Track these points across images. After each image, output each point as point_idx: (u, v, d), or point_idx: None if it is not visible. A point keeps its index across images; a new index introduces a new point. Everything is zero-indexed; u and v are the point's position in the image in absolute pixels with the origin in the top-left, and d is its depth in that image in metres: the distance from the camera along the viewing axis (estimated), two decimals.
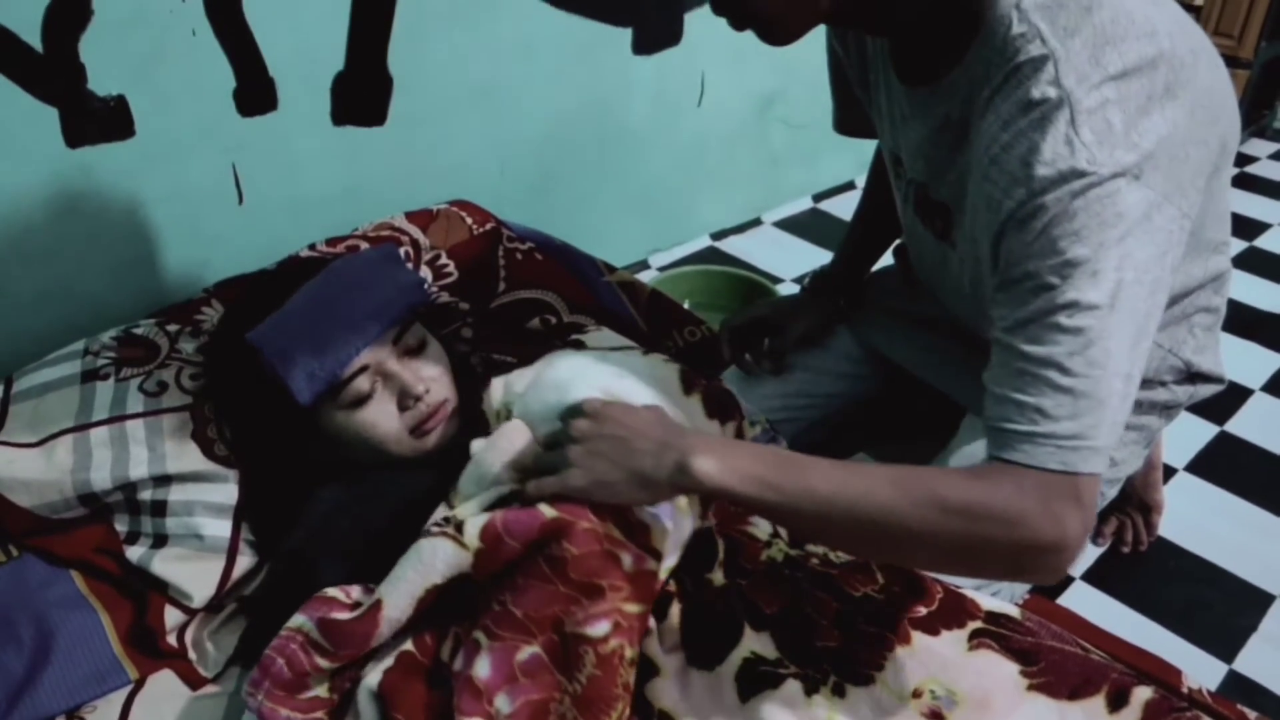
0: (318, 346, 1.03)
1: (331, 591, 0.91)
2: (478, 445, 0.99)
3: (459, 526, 0.89)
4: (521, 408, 1.05)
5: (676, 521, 0.95)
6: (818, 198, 2.65)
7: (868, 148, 1.40)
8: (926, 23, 0.93)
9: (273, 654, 0.87)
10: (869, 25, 1.00)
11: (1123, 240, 0.82)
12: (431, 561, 0.88)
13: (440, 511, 0.96)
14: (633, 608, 0.88)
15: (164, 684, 1.05)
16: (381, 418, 1.08)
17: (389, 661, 0.88)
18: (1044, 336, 0.83)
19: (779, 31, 0.92)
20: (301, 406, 1.04)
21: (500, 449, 0.97)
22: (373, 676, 0.87)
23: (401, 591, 0.87)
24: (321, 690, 0.88)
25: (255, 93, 1.50)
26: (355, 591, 0.92)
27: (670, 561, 0.96)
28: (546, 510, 0.88)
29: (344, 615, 0.88)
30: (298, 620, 0.88)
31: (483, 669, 0.84)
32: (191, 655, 1.07)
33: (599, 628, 0.85)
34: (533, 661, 0.85)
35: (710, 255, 2.39)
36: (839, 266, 1.48)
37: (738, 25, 0.92)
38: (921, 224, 1.10)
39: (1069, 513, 0.82)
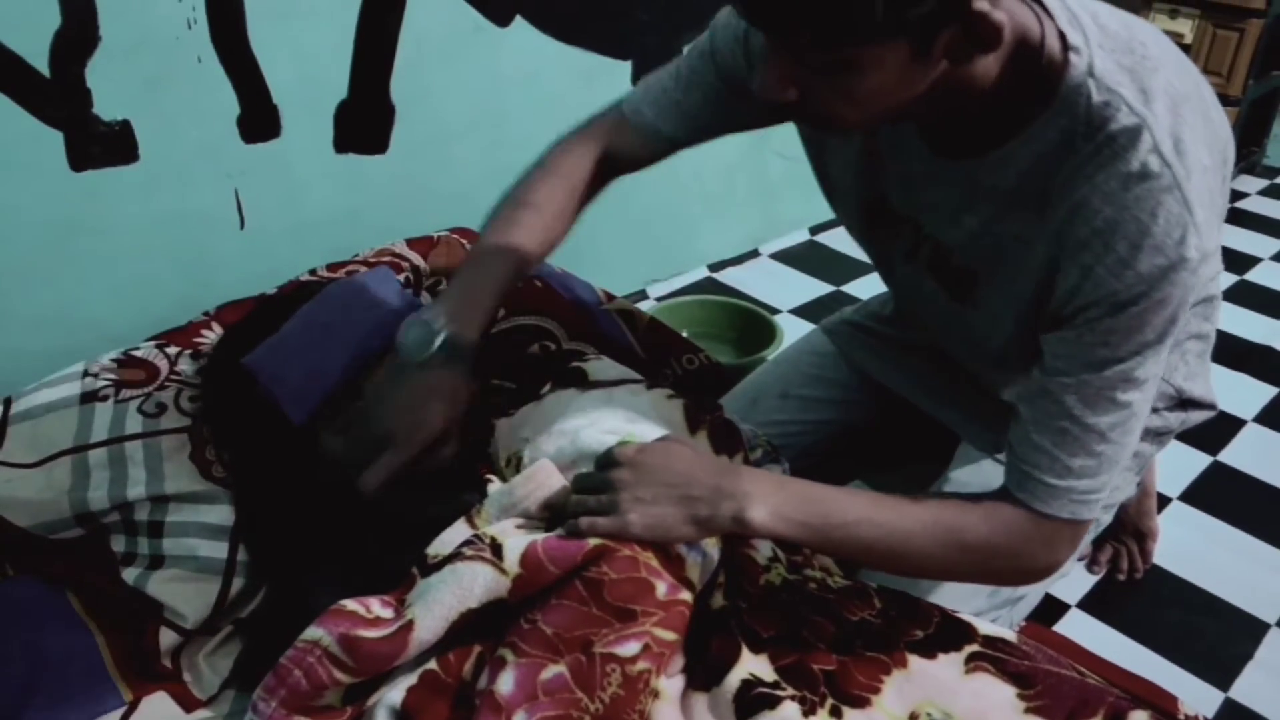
0: (312, 369, 1.04)
1: (350, 605, 0.88)
2: (508, 481, 1.01)
3: (496, 550, 0.89)
4: (533, 454, 1.06)
5: (704, 554, 0.96)
6: (814, 230, 2.67)
7: None
8: (992, 101, 0.89)
9: (289, 664, 0.84)
10: (930, 117, 0.95)
11: (1181, 316, 0.88)
12: (470, 586, 0.87)
13: (462, 528, 0.97)
14: (665, 634, 0.88)
15: (158, 706, 1.04)
16: None
17: (412, 679, 0.87)
18: (1099, 406, 0.89)
19: (846, 130, 0.97)
20: (297, 429, 1.04)
21: (538, 483, 0.98)
22: (394, 694, 0.86)
23: (436, 615, 0.86)
24: (334, 701, 0.87)
25: (259, 119, 1.52)
26: (375, 605, 0.89)
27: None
28: (591, 538, 0.90)
29: (370, 633, 0.85)
30: (315, 633, 0.85)
31: (506, 685, 0.83)
32: (186, 677, 1.06)
33: (629, 647, 0.86)
34: (556, 681, 0.84)
35: (708, 286, 2.41)
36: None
37: (805, 121, 0.93)
38: (932, 280, 1.08)
39: (1066, 548, 0.96)
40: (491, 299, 1.06)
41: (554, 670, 0.85)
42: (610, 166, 1.19)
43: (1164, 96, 0.85)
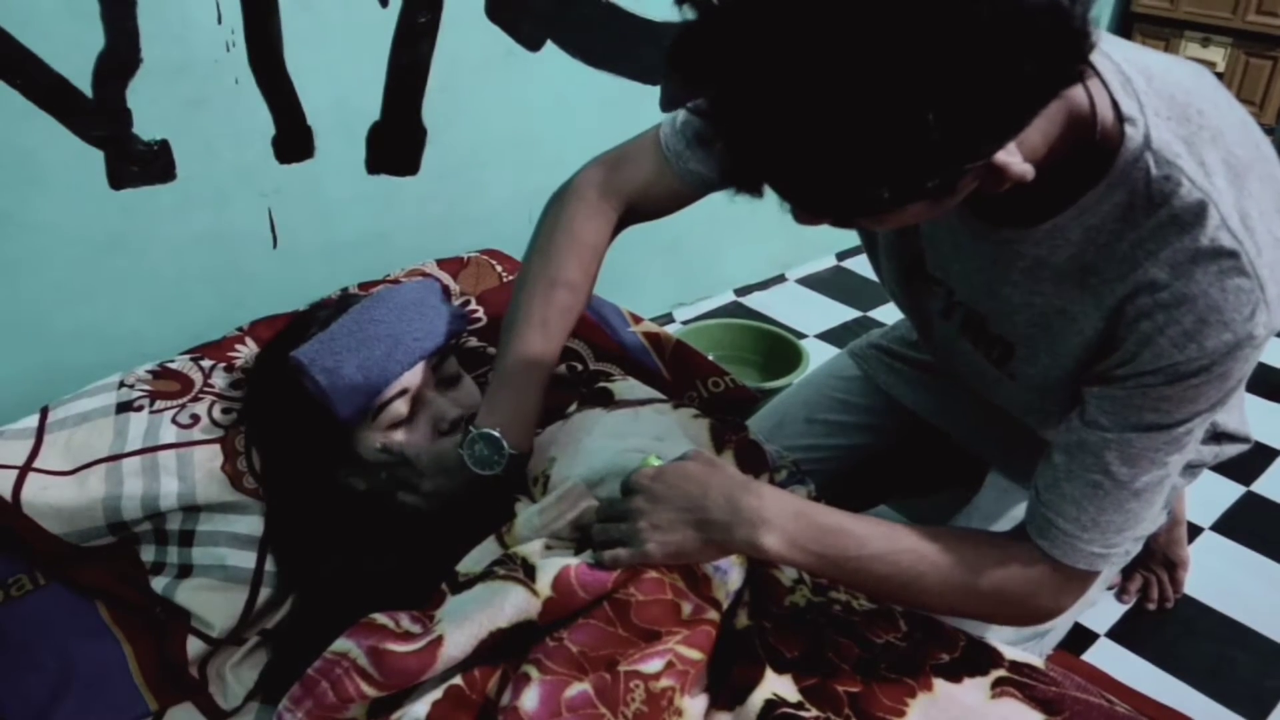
0: (362, 363, 1.06)
1: (380, 619, 0.89)
2: (540, 502, 1.01)
3: (529, 571, 0.90)
4: (559, 473, 1.07)
5: (729, 571, 0.97)
6: (841, 256, 2.68)
7: None
8: (1040, 175, 0.83)
9: (317, 675, 0.85)
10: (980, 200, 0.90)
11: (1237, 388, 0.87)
12: (501, 606, 0.88)
13: (492, 547, 0.97)
14: (689, 652, 0.89)
15: (184, 716, 1.05)
16: (416, 443, 1.09)
17: (437, 694, 0.87)
18: (1139, 465, 0.88)
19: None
20: (338, 428, 1.06)
21: (568, 504, 0.99)
22: (419, 707, 0.86)
23: (466, 632, 0.87)
24: (359, 715, 0.87)
25: (293, 140, 1.55)
26: (404, 619, 0.90)
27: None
28: None
29: (399, 647, 0.86)
30: (344, 645, 0.86)
31: (530, 701, 0.84)
32: (212, 688, 1.07)
33: (652, 665, 0.86)
34: (580, 698, 0.84)
35: (734, 310, 2.41)
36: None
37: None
38: (969, 342, 1.07)
39: (1074, 596, 0.95)
40: (540, 405, 1.12)
41: (578, 688, 0.85)
42: (632, 220, 1.19)
43: (1224, 169, 0.82)
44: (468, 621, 0.87)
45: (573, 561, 0.91)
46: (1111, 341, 0.87)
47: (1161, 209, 0.82)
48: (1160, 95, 0.83)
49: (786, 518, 0.92)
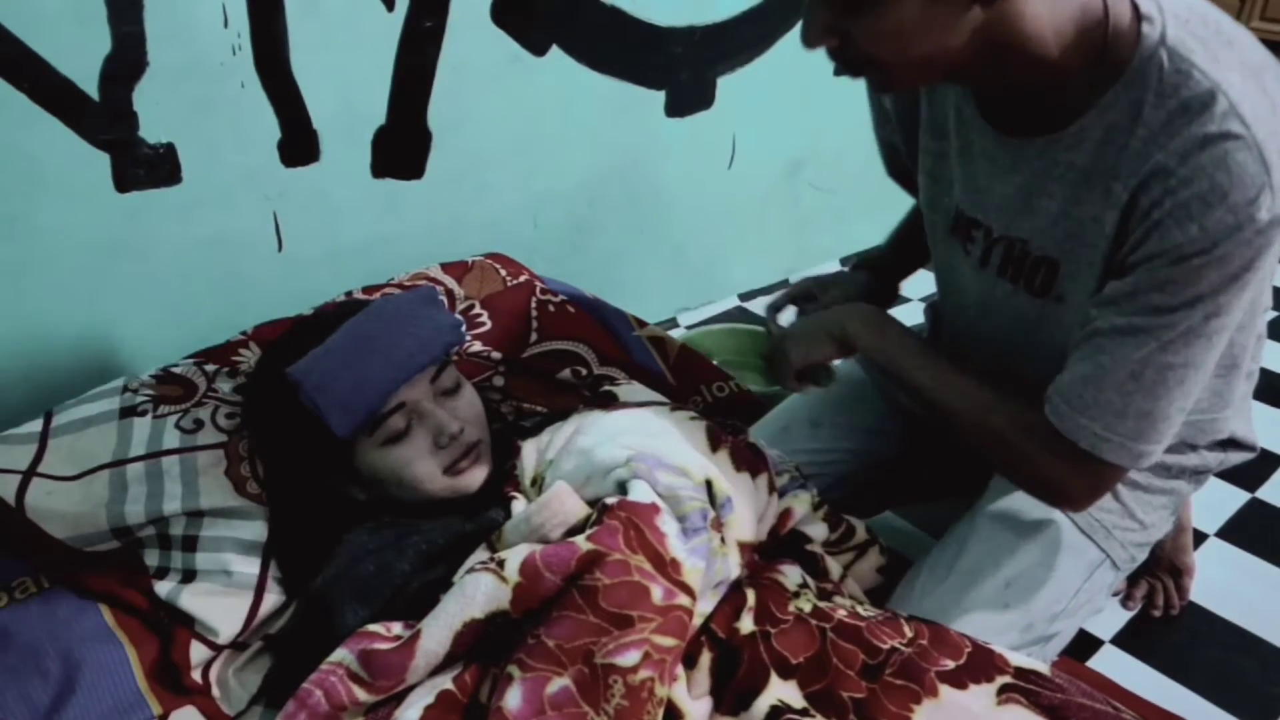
0: (357, 380, 1.04)
1: (374, 627, 0.93)
2: (527, 507, 1.02)
3: (501, 563, 0.91)
4: (554, 474, 1.07)
5: (710, 561, 0.96)
6: (846, 261, 2.67)
7: (896, 214, 1.42)
8: (1057, 74, 0.91)
9: (311, 686, 0.88)
10: (990, 83, 0.97)
11: (1244, 282, 0.88)
12: (472, 594, 0.90)
13: (481, 554, 0.98)
14: (664, 640, 0.88)
15: None
16: (416, 456, 1.08)
17: (429, 699, 0.88)
18: (1143, 346, 0.91)
19: (897, 83, 0.98)
20: (337, 442, 1.05)
21: (554, 510, 0.99)
22: (411, 712, 0.87)
23: (441, 623, 0.89)
24: None
25: (298, 144, 1.55)
26: (396, 627, 0.94)
27: (705, 605, 0.97)
28: (583, 543, 0.91)
29: (384, 646, 0.89)
30: (340, 654, 0.90)
31: (513, 700, 0.84)
32: (215, 692, 1.07)
33: (629, 657, 0.86)
34: (562, 694, 0.85)
35: (738, 315, 2.41)
36: (884, 252, 1.48)
37: (853, 72, 0.94)
38: (1010, 284, 1.09)
39: (1075, 473, 1.00)
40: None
41: (559, 684, 0.86)
42: None
43: (1239, 65, 0.84)
44: (443, 613, 0.90)
45: (537, 548, 0.92)
46: (1124, 233, 0.91)
47: (1170, 100, 0.85)
48: (1181, 1, 0.88)
49: (873, 321, 1.13)
